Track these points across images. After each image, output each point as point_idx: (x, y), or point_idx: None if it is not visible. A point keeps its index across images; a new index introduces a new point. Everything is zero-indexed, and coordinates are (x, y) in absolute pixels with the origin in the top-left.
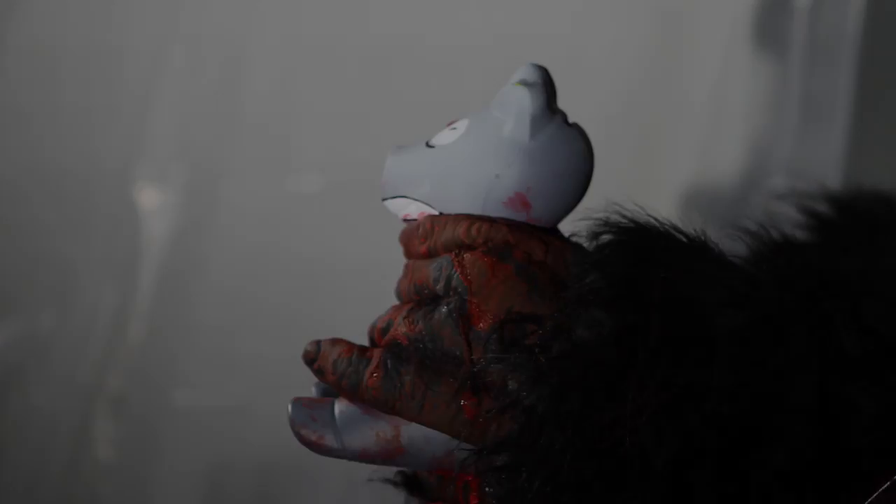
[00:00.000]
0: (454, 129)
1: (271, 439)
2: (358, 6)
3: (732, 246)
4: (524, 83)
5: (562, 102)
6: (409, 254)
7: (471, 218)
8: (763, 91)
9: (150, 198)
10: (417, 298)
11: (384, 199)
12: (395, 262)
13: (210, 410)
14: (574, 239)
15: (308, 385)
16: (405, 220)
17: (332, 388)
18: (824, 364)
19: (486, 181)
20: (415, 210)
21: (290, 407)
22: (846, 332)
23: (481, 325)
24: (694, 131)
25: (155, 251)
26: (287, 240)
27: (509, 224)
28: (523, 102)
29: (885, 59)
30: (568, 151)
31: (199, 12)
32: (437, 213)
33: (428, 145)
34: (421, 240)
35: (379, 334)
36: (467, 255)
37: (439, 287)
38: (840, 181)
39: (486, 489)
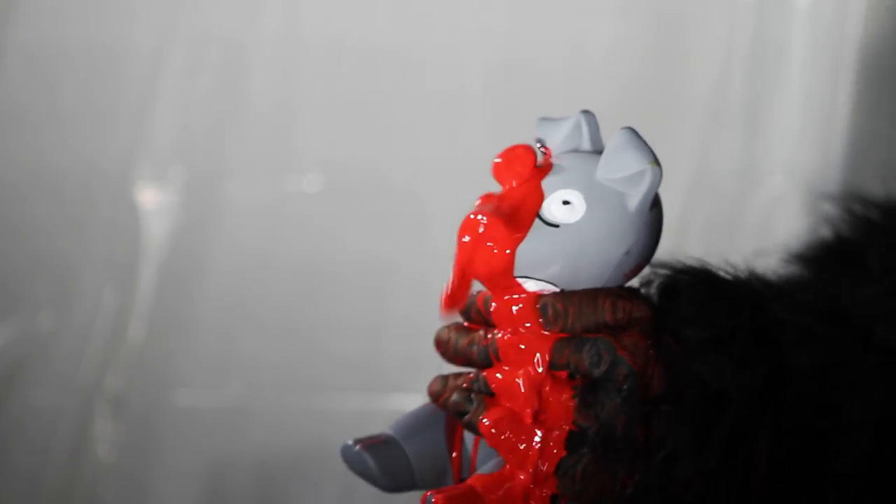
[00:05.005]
0: (568, 203)
1: (271, 439)
2: (358, 6)
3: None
4: (655, 162)
5: (562, 102)
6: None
7: (607, 296)
8: (762, 91)
9: (150, 198)
10: (558, 375)
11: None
12: (393, 262)
13: (210, 410)
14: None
15: (306, 384)
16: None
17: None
18: (888, 388)
19: (617, 258)
20: (533, 287)
21: None
22: None
23: (650, 402)
24: (694, 131)
25: (155, 251)
26: (287, 240)
27: (639, 296)
28: (656, 181)
29: (885, 59)
30: (661, 212)
31: (198, 12)
32: (558, 289)
33: (542, 220)
34: (551, 319)
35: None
36: (628, 340)
37: (598, 371)
38: (840, 181)
39: None
